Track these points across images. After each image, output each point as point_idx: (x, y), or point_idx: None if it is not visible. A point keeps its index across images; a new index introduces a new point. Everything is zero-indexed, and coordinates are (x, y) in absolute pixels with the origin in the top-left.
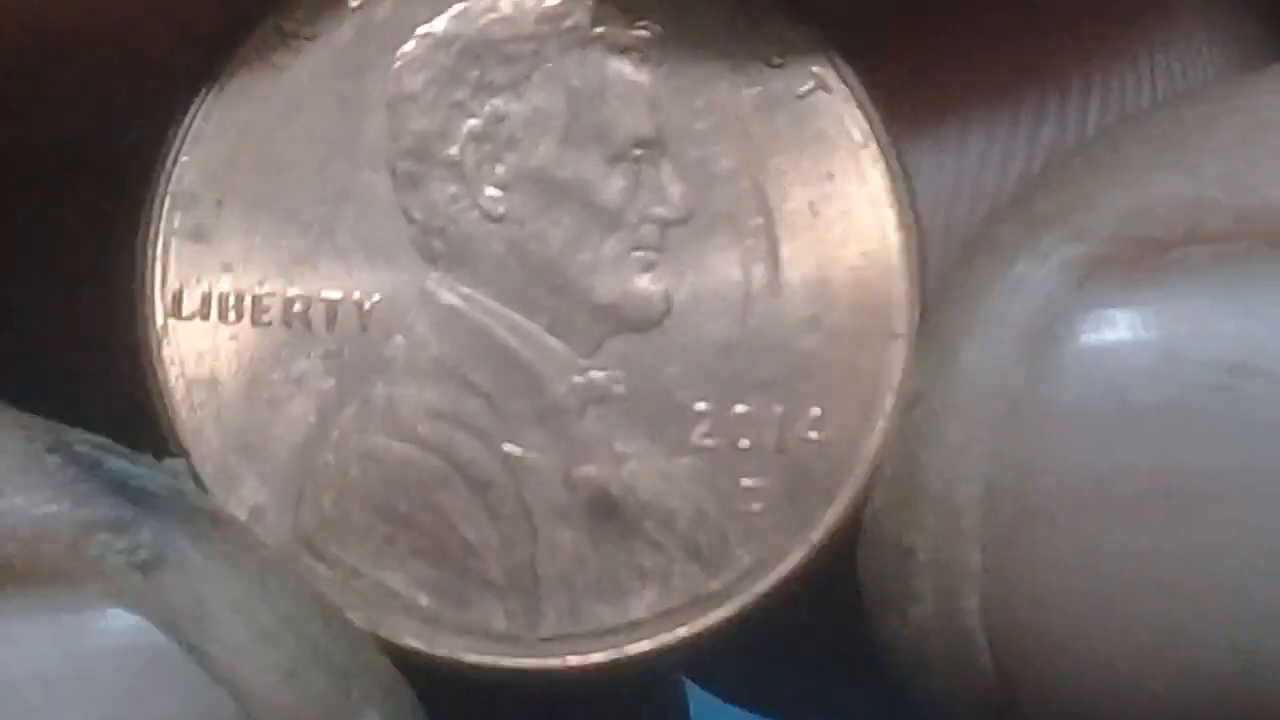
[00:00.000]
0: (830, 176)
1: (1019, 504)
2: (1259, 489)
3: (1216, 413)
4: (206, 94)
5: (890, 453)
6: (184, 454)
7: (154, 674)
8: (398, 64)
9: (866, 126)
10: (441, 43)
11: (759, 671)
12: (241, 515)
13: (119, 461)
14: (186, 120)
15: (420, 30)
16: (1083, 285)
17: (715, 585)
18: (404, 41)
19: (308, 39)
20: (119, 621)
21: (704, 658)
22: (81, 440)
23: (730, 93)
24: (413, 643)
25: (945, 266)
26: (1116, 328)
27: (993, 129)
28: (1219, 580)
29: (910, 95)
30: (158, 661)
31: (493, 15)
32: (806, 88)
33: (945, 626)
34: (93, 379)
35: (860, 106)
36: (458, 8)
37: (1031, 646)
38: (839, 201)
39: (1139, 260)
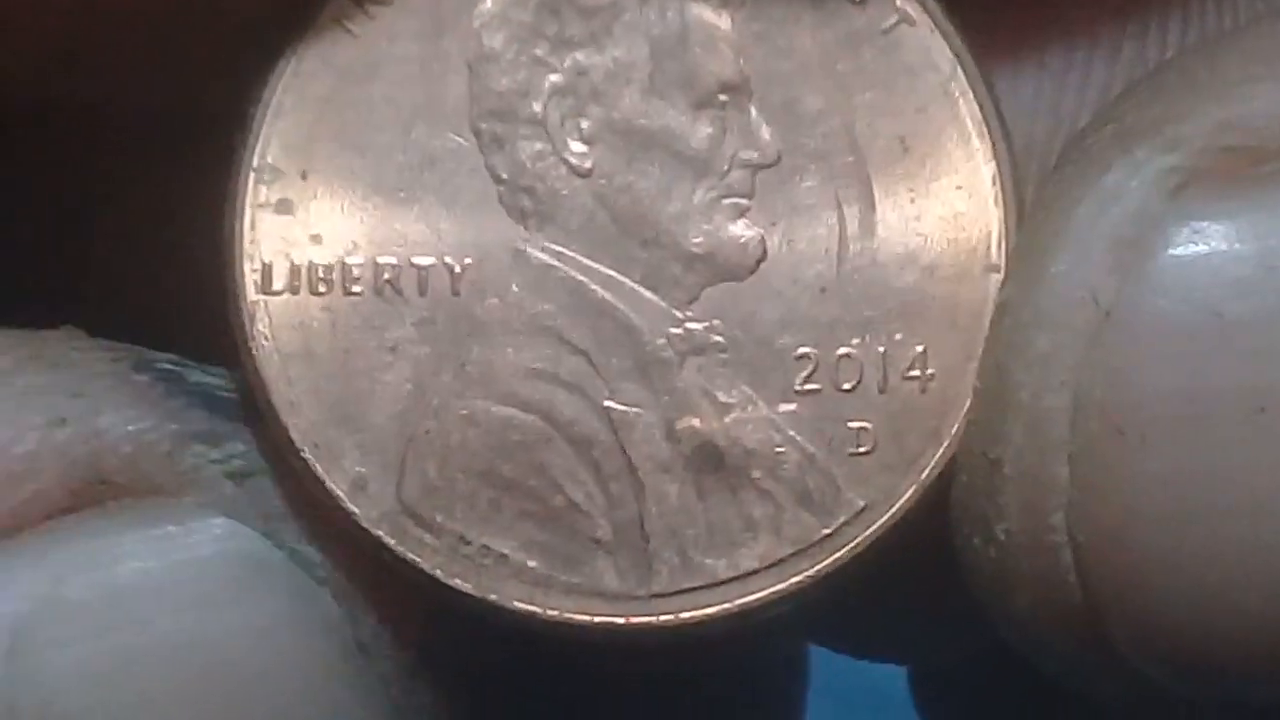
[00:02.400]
0: (920, 110)
1: (1108, 418)
2: None
3: None
4: (285, 66)
5: (981, 366)
6: (282, 429)
7: (258, 578)
8: (476, 23)
9: (953, 57)
10: (518, 0)
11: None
12: (344, 487)
13: (202, 376)
14: (267, 93)
15: None
16: (1176, 196)
17: (827, 530)
18: (480, 1)
19: (384, 4)
20: (220, 529)
21: (820, 607)
22: (163, 359)
23: (814, 32)
24: (524, 606)
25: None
26: (1210, 239)
27: (1072, 51)
28: None
29: (988, 18)
30: (260, 566)
31: None
32: (890, 22)
33: (1031, 542)
34: (175, 288)
35: (945, 38)
36: None
37: (1118, 563)
38: (930, 135)
39: (1233, 171)
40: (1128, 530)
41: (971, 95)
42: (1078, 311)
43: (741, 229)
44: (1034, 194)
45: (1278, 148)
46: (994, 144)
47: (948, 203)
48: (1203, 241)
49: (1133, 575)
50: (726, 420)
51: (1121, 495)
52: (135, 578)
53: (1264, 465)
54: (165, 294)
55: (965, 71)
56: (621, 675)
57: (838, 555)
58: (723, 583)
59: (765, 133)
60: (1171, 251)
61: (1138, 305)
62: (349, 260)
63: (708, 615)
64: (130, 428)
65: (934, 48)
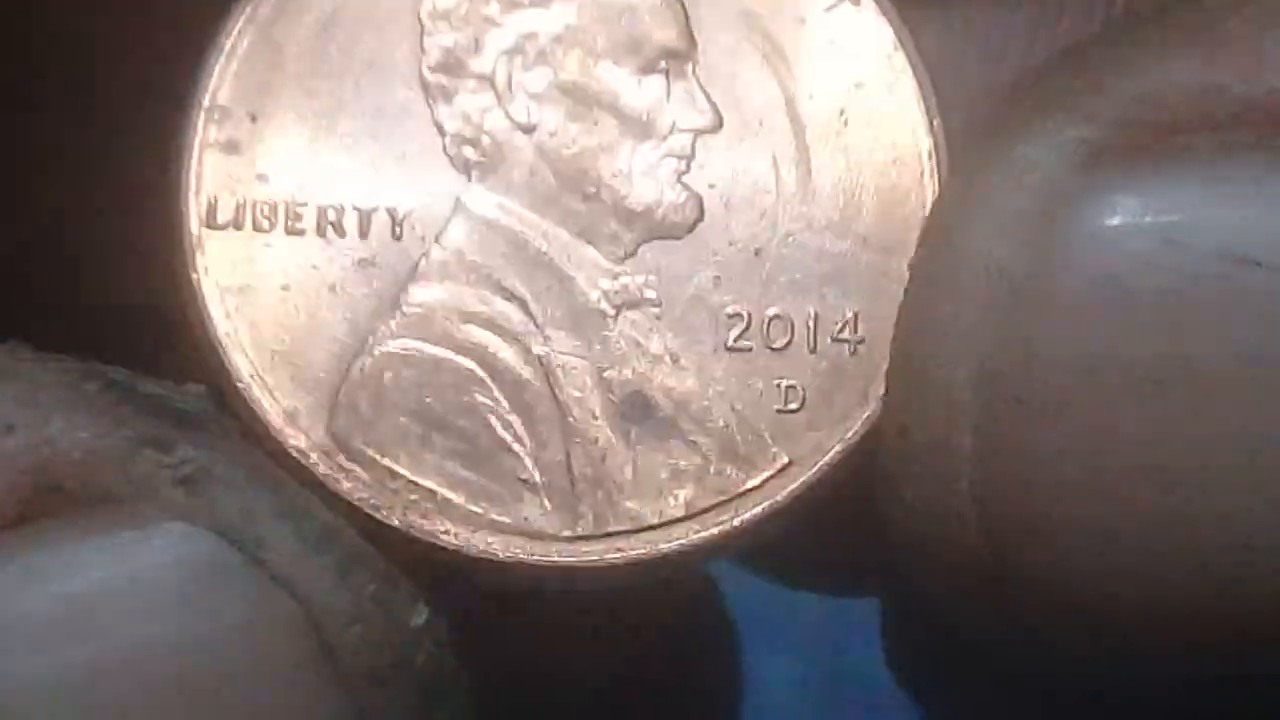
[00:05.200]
0: (859, 85)
1: (1012, 388)
2: (1257, 379)
3: (1216, 302)
4: (238, 9)
5: (894, 332)
6: (219, 360)
7: (218, 582)
8: None
9: (893, 36)
10: None
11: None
12: (277, 419)
13: (151, 386)
14: (220, 36)
15: None
16: (1085, 168)
17: (751, 483)
18: None
19: None
20: (177, 534)
21: (738, 552)
22: (112, 370)
23: (758, 5)
24: (451, 541)
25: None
26: (1116, 212)
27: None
28: (1214, 470)
29: None
30: (220, 570)
31: None
32: (834, 1)
33: (938, 508)
34: (124, 295)
35: (886, 17)
36: None
37: (1022, 532)
38: (868, 109)
39: (1144, 145)
40: (1030, 499)
41: (910, 74)
42: (985, 282)
43: (680, 190)
44: (951, 163)
45: (1188, 121)
46: (930, 120)
47: (884, 174)
48: (1109, 215)
49: (1036, 544)
50: (657, 372)
51: (1023, 465)
52: (93, 587)
53: (1166, 438)
54: (118, 306)
55: (904, 50)
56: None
57: (761, 508)
58: (646, 528)
59: (707, 99)
60: (1078, 224)
61: (1045, 276)
62: (293, 200)
63: (630, 558)
64: (81, 434)
65: (875, 26)
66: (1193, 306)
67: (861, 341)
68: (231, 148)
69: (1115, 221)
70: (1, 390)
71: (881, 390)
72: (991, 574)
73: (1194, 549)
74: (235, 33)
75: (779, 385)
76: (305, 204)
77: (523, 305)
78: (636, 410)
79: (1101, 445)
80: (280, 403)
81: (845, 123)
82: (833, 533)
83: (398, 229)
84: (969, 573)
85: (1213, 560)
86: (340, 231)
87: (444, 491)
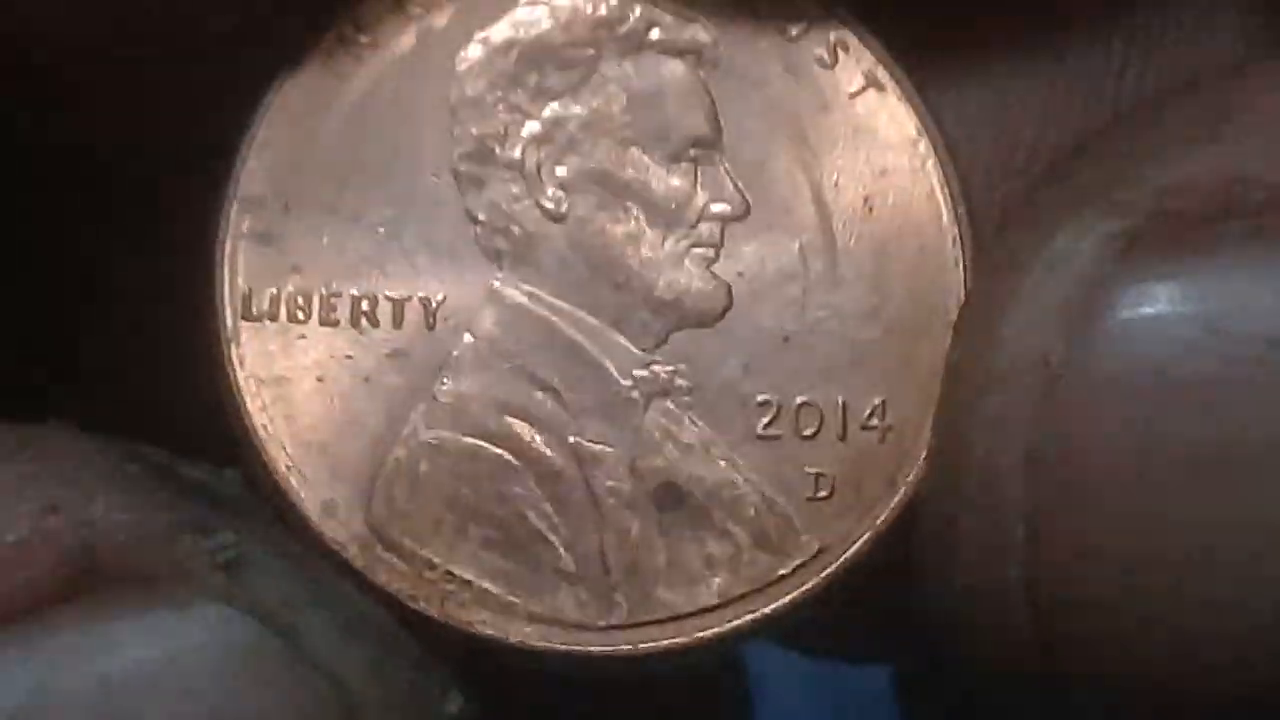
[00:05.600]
0: (884, 172)
1: (1059, 476)
2: None
3: (1255, 384)
4: (270, 101)
5: (935, 425)
6: (255, 452)
7: (255, 666)
8: (459, 69)
9: (918, 122)
10: (500, 49)
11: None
12: (314, 510)
13: (190, 470)
14: (252, 127)
15: (479, 36)
16: (1122, 259)
17: (783, 570)
18: (464, 48)
19: (370, 46)
20: (215, 617)
21: (770, 638)
22: (154, 452)
23: (784, 93)
24: (487, 631)
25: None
26: (1156, 301)
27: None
28: (1260, 549)
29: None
30: (257, 654)
31: (550, 21)
32: (858, 86)
33: (988, 596)
34: (163, 383)
35: (911, 103)
36: (515, 14)
37: (1073, 617)
38: (894, 196)
39: (1179, 234)
40: (1081, 585)
41: (935, 160)
42: (1028, 372)
43: (709, 278)
44: (981, 255)
45: (1221, 210)
46: (956, 207)
47: (910, 262)
48: (1149, 304)
49: (1087, 628)
50: (688, 460)
51: (1073, 552)
52: (128, 667)
53: (1212, 520)
54: (156, 389)
55: (930, 136)
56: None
57: (793, 595)
58: (680, 617)
59: (735, 187)
60: (1119, 313)
61: (1087, 365)
62: (327, 291)
63: (665, 647)
64: (122, 516)
65: (900, 112)
66: (1236, 390)
67: (890, 428)
68: (265, 239)
69: (1156, 310)
70: (45, 469)
71: (910, 476)
72: (1041, 661)
73: (1240, 632)
74: (267, 124)
75: (808, 473)
76: (339, 294)
77: (555, 394)
78: (669, 499)
79: (1149, 530)
80: (317, 493)
81: (870, 210)
82: (858, 620)
83: (431, 319)
84: (1019, 658)
85: (1254, 642)
86: (374, 321)
87: (480, 581)
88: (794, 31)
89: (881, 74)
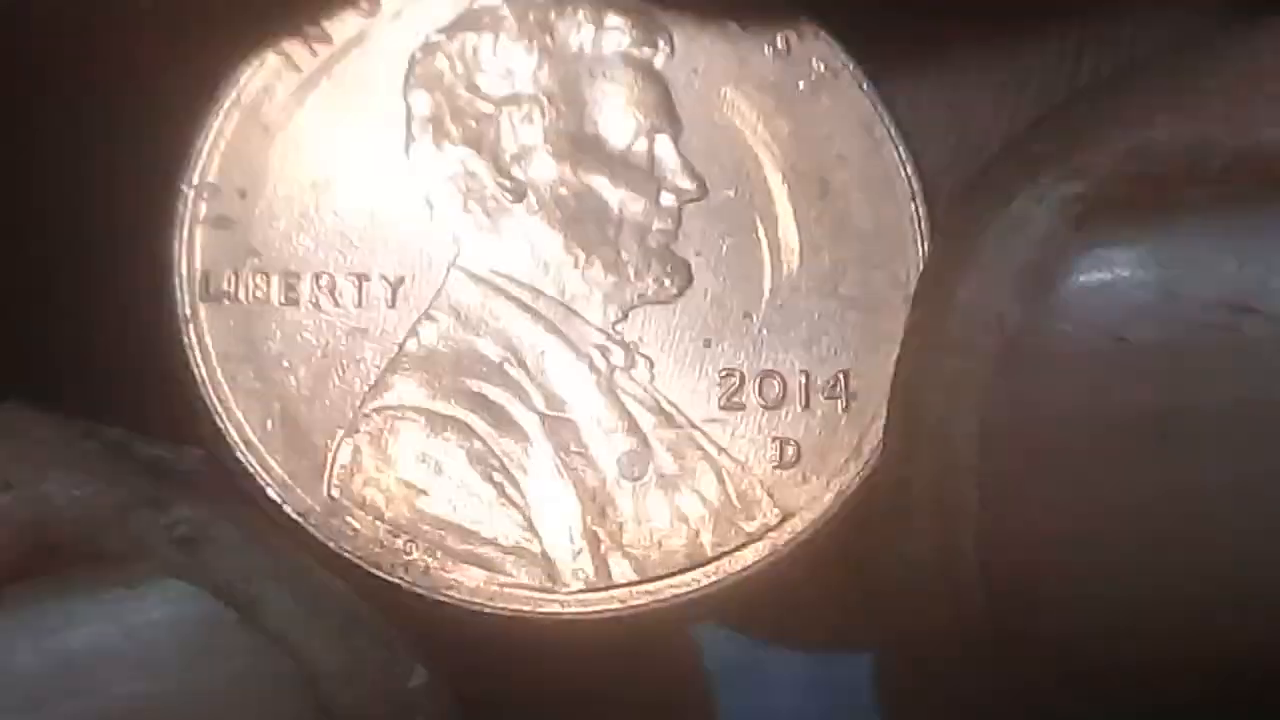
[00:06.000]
0: (841, 156)
1: (1016, 442)
2: (1258, 427)
3: (1217, 351)
4: (228, 93)
5: (891, 389)
6: (215, 428)
7: (214, 640)
8: (414, 51)
9: (871, 108)
10: (455, 29)
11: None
12: (275, 483)
13: (147, 447)
14: (206, 115)
15: (434, 19)
16: (1081, 224)
17: (750, 533)
18: (419, 31)
19: (323, 35)
20: (173, 593)
21: (735, 602)
22: (110, 430)
23: (741, 79)
24: (452, 597)
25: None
26: (1115, 266)
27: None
28: (1217, 520)
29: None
30: (216, 629)
31: (505, 2)
32: (815, 73)
33: (940, 562)
34: (119, 363)
35: (865, 89)
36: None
37: (1027, 585)
38: (850, 177)
39: (1138, 199)
40: (1036, 555)
41: (890, 145)
42: (984, 336)
43: (668, 256)
44: (941, 220)
45: (1180, 176)
46: (911, 188)
47: (868, 239)
48: (1107, 268)
49: (1040, 598)
50: (654, 430)
51: (1027, 519)
52: (87, 644)
53: (1169, 488)
54: (116, 369)
55: (883, 121)
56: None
57: (756, 556)
58: (646, 580)
59: (692, 170)
60: (1076, 278)
61: (1044, 331)
62: (286, 271)
63: (631, 609)
64: (76, 492)
65: (855, 98)
66: (1194, 357)
67: (854, 397)
68: (223, 223)
69: (1114, 275)
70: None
71: (874, 444)
72: (993, 629)
73: (1192, 601)
74: (222, 114)
75: (773, 441)
76: (298, 275)
77: (520, 366)
78: (634, 467)
79: (1107, 500)
80: (278, 466)
81: (829, 191)
82: (824, 586)
83: (391, 296)
84: (970, 628)
85: (1209, 612)
86: (334, 300)
87: (443, 549)
88: (747, 21)
89: (835, 62)
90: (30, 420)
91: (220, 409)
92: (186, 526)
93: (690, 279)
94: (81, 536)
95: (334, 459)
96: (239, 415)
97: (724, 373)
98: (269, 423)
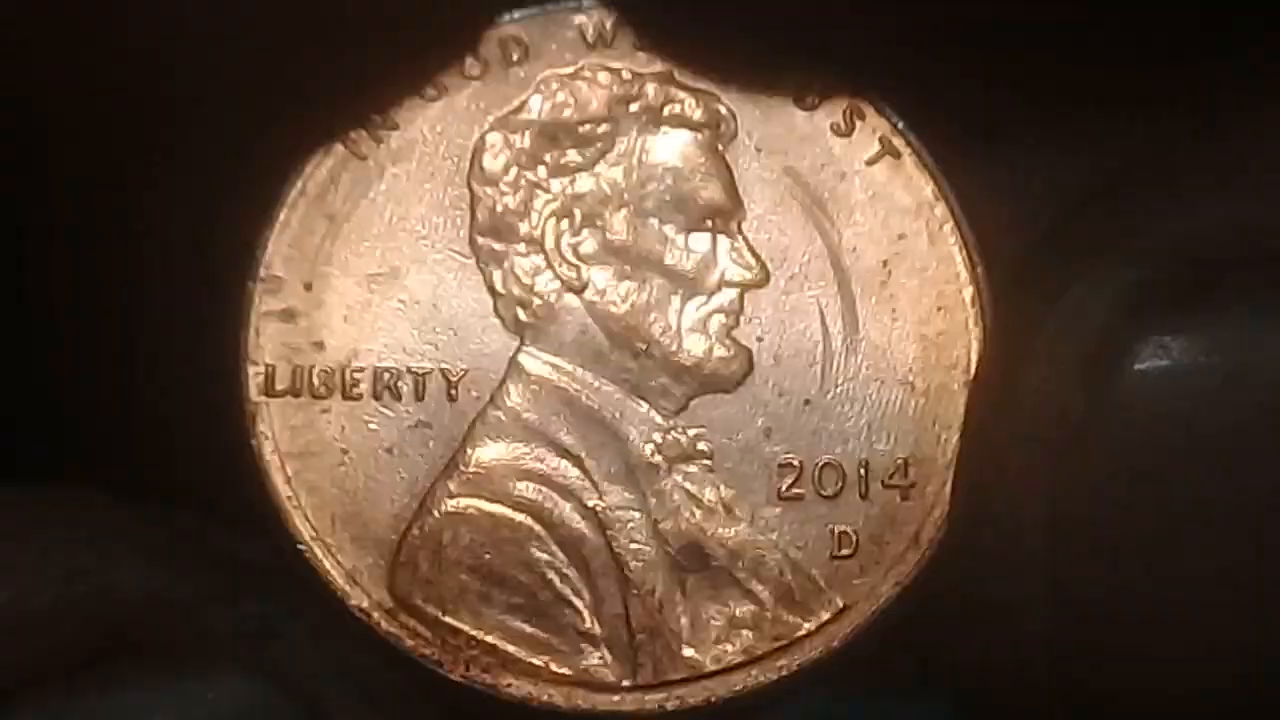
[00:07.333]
0: (902, 236)
1: (1085, 532)
2: None
3: (1276, 435)
4: (293, 184)
5: (956, 483)
6: (279, 526)
7: None
8: (477, 147)
9: (934, 187)
10: (518, 127)
11: None
12: (339, 580)
13: (219, 536)
14: (272, 208)
15: (497, 115)
16: (1138, 310)
17: (808, 627)
18: (481, 127)
19: (389, 128)
20: (238, 687)
21: (795, 696)
22: (183, 517)
23: (801, 161)
24: (513, 694)
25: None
26: (1174, 353)
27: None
28: None
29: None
30: None
31: (567, 99)
32: (873, 152)
33: (1011, 654)
34: (192, 454)
35: (927, 168)
36: (532, 93)
37: (1097, 674)
38: (912, 260)
39: (1192, 285)
40: (1105, 641)
41: (952, 223)
42: (1050, 428)
43: (729, 344)
44: (996, 308)
45: (1234, 259)
46: (974, 268)
47: (928, 321)
48: (1166, 355)
49: (1112, 686)
50: (711, 522)
51: (1098, 608)
52: None
53: (1233, 573)
54: (185, 455)
55: (946, 200)
56: None
57: (817, 652)
58: (706, 675)
59: (754, 254)
60: (1138, 366)
61: (1108, 420)
62: (350, 366)
63: (690, 707)
64: (148, 585)
65: (916, 178)
66: (1258, 440)
67: (913, 485)
68: (287, 317)
69: (1174, 362)
70: (73, 535)
71: (932, 533)
72: (1065, 715)
73: (1268, 689)
74: (288, 205)
75: (832, 531)
76: (362, 369)
77: (577, 461)
78: (692, 560)
79: (1177, 583)
80: (342, 564)
81: (889, 273)
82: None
83: (453, 390)
84: (1043, 714)
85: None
86: (396, 394)
87: (505, 646)
88: (809, 101)
89: (896, 140)
90: (101, 507)
91: (285, 507)
92: (255, 621)
93: (751, 366)
94: (151, 628)
95: (396, 557)
96: (306, 510)
97: (783, 463)
98: (333, 520)
